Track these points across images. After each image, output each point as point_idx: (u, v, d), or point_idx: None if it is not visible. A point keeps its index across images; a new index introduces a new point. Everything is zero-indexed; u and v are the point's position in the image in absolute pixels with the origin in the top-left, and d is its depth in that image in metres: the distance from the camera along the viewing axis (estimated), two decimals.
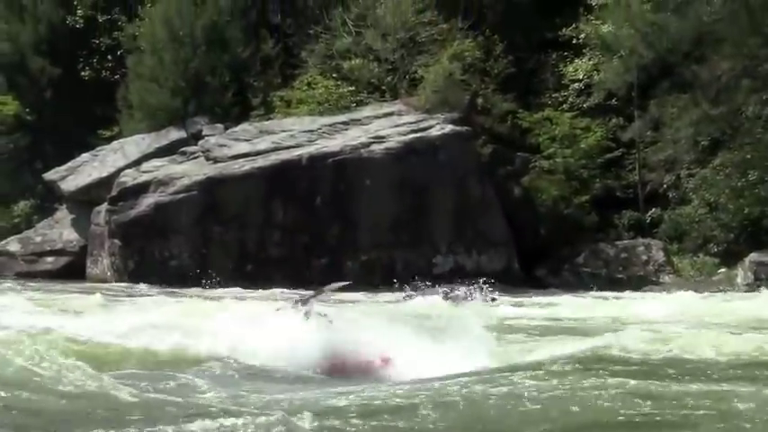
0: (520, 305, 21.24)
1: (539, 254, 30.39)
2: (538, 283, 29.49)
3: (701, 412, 6.20)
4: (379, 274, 28.77)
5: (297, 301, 10.33)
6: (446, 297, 21.71)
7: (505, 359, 9.46)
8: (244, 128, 33.48)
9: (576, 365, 7.84)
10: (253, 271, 28.09)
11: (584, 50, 33.64)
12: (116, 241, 30.58)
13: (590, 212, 31.59)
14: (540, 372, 7.65)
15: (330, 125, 32.16)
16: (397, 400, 6.80)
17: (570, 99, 33.78)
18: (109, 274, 31.27)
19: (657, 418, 6.07)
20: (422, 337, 9.78)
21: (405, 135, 30.45)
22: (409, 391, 7.18)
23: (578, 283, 28.65)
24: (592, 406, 6.31)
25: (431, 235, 29.65)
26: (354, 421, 6.06)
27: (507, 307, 20.28)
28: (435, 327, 10.49)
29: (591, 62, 33.37)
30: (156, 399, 6.73)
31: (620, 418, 6.07)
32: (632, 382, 7.10)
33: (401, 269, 29.20)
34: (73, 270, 32.98)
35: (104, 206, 31.77)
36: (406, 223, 29.37)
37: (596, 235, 31.12)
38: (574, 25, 33.44)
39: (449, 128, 30.61)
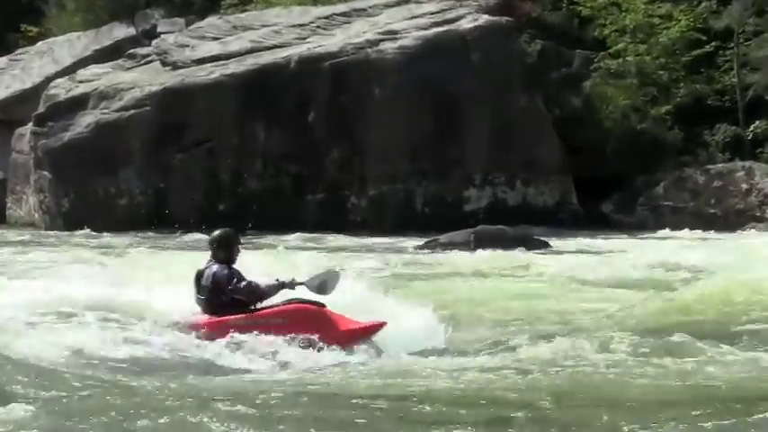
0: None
1: (604, 184, 30.04)
2: (603, 221, 29.36)
3: None
4: (394, 214, 28.75)
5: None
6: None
7: None
8: (212, 22, 33.46)
9: None
10: (227, 211, 27.96)
11: None
12: (45, 174, 30.33)
13: (672, 128, 31.25)
14: None
15: (326, 18, 32.00)
16: None
17: None
18: (37, 216, 31.15)
19: None
20: None
21: (425, 29, 30.17)
22: None
23: (657, 222, 28.64)
24: None
25: (461, 161, 29.42)
26: None
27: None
28: None
29: None
30: None
31: None
32: None
33: (422, 206, 29.21)
34: None
35: (29, 127, 31.64)
36: (429, 146, 29.11)
37: (681, 158, 30.84)
38: None
39: (483, 18, 30.37)
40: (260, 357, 9.19)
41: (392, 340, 9.72)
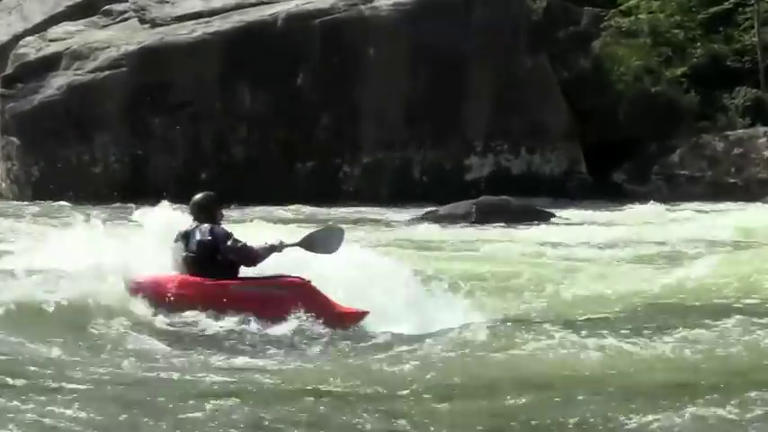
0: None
1: (616, 151, 30.05)
2: (615, 191, 29.40)
3: None
4: (389, 184, 28.85)
5: None
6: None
7: None
8: None
9: None
10: (209, 180, 27.73)
11: None
12: (13, 140, 30.09)
13: (688, 91, 31.19)
14: None
15: None
16: None
17: None
18: (4, 186, 30.85)
19: None
20: None
21: None
22: None
23: (672, 192, 28.69)
24: None
25: (462, 127, 29.50)
26: None
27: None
28: None
29: None
30: None
31: None
32: None
33: (420, 175, 29.30)
34: None
35: None
36: (427, 111, 29.11)
37: (698, 123, 30.78)
38: None
39: None
40: (271, 335, 9.17)
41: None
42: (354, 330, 9.53)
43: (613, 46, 31.82)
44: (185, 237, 10.00)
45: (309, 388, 7.05)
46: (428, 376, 7.46)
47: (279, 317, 9.50)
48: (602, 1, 32.78)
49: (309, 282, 9.91)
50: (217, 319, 9.37)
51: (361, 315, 9.81)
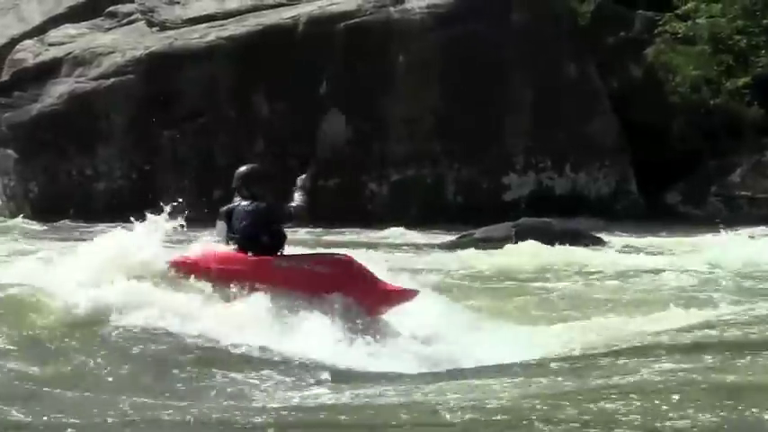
0: None
1: (670, 170, 29.81)
2: (668, 213, 29.14)
3: None
4: (420, 204, 28.74)
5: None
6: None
7: None
8: None
9: None
10: (223, 198, 27.76)
11: None
12: (10, 153, 30.33)
13: (751, 103, 30.98)
14: None
15: None
16: None
17: None
18: (0, 203, 31.02)
19: None
20: None
21: None
22: None
23: (732, 216, 28.12)
24: None
25: (500, 142, 29.44)
26: None
27: None
28: None
29: None
30: None
31: None
32: None
33: (453, 195, 29.34)
34: None
35: None
36: (462, 124, 29.05)
37: (762, 139, 30.51)
38: None
39: None
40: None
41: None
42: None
43: (668, 53, 31.61)
44: (228, 214, 10.48)
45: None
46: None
47: (320, 295, 9.94)
48: (656, 4, 32.53)
49: (354, 259, 10.54)
50: (255, 297, 9.83)
51: (410, 294, 10.33)
